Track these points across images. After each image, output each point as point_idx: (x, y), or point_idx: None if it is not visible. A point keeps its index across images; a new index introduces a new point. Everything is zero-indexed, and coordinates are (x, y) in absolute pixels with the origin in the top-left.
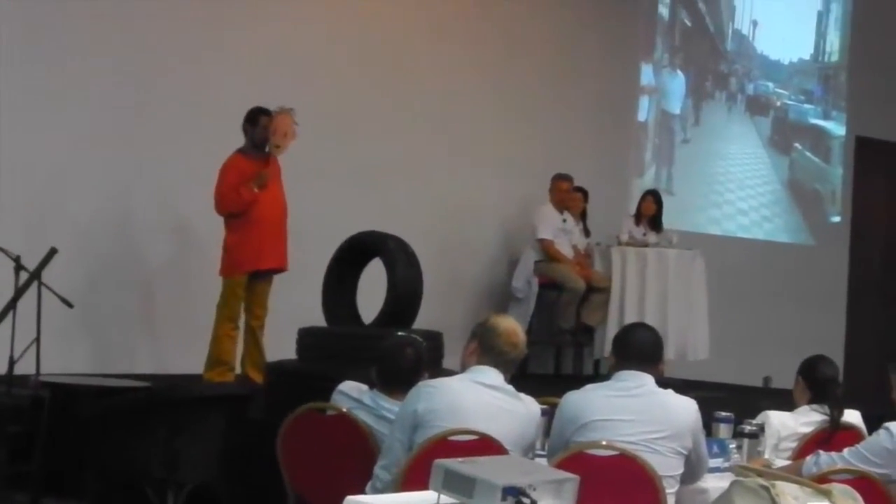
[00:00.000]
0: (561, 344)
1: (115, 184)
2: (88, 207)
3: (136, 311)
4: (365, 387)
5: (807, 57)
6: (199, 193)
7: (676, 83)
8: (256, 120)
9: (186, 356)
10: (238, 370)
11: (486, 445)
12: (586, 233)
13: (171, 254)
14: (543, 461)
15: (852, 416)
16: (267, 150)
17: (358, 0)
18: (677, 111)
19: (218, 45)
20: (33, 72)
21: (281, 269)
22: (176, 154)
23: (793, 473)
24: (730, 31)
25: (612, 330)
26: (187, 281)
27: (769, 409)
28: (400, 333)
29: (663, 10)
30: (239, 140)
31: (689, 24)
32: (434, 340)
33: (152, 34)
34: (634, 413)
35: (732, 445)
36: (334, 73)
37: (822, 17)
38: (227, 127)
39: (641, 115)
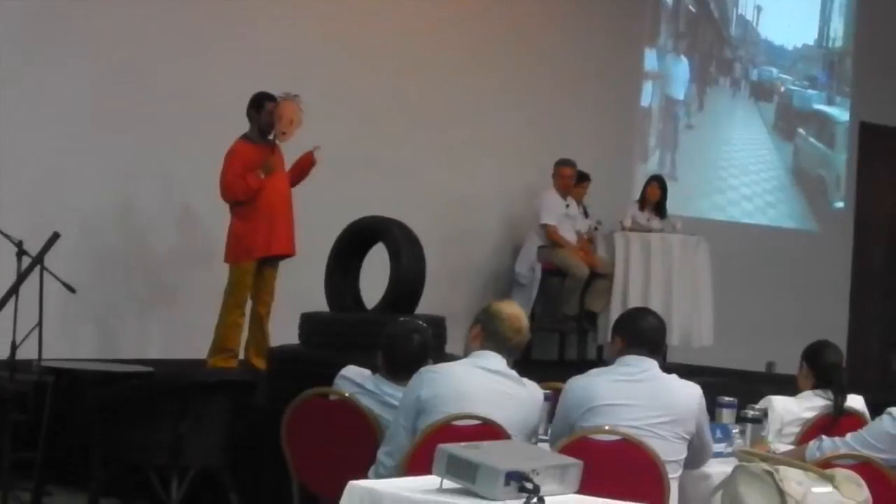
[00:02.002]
0: (564, 330)
1: (118, 169)
2: (91, 193)
3: (139, 296)
4: (368, 372)
5: (811, 42)
6: (201, 179)
7: (680, 69)
8: (262, 105)
9: (190, 342)
10: (241, 356)
11: (489, 431)
12: (585, 214)
13: (173, 239)
14: (546, 446)
15: (855, 402)
16: (272, 136)
17: None
18: (681, 97)
19: (220, 31)
20: (35, 60)
21: (289, 255)
22: (178, 139)
23: (796, 458)
24: (734, 17)
25: (615, 316)
26: (190, 266)
27: (772, 394)
28: (404, 319)
29: None
30: (241, 126)
31: (693, 9)
32: (437, 326)
33: (154, 21)
34: (638, 398)
35: (736, 430)
36: (337, 61)
37: (826, 3)
38: (230, 113)
39: (645, 101)
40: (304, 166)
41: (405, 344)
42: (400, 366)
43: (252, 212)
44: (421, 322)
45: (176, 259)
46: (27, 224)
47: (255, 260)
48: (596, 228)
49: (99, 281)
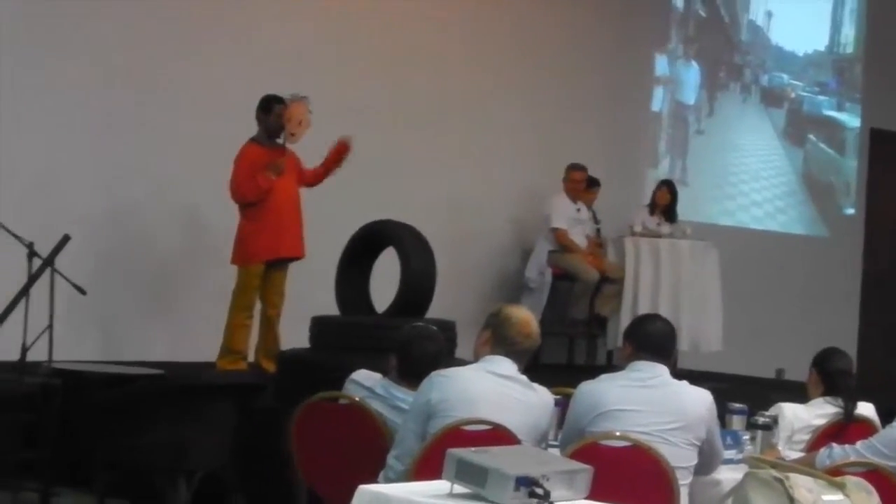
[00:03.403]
0: (574, 335)
1: (126, 172)
2: (100, 195)
3: (149, 298)
4: (378, 376)
5: (821, 48)
6: (209, 181)
7: (691, 74)
8: (270, 108)
9: (199, 344)
10: (251, 359)
11: (499, 435)
12: (595, 219)
13: (182, 242)
14: (556, 452)
15: (866, 409)
16: (281, 139)
17: None
18: (691, 102)
19: (222, 33)
20: (39, 62)
21: (298, 257)
22: (185, 141)
23: (806, 466)
24: (744, 22)
25: (625, 321)
26: (199, 268)
27: (782, 401)
28: (419, 324)
29: (678, 1)
30: (246, 127)
31: (703, 14)
32: (447, 330)
33: (156, 22)
34: (649, 404)
35: (746, 437)
36: (343, 63)
37: (836, 9)
38: (234, 114)
39: (655, 106)
40: (342, 152)
41: (420, 349)
42: (413, 370)
43: (260, 214)
44: (435, 328)
45: (185, 261)
46: (37, 226)
47: (262, 262)
48: (598, 222)
49: (108, 283)
